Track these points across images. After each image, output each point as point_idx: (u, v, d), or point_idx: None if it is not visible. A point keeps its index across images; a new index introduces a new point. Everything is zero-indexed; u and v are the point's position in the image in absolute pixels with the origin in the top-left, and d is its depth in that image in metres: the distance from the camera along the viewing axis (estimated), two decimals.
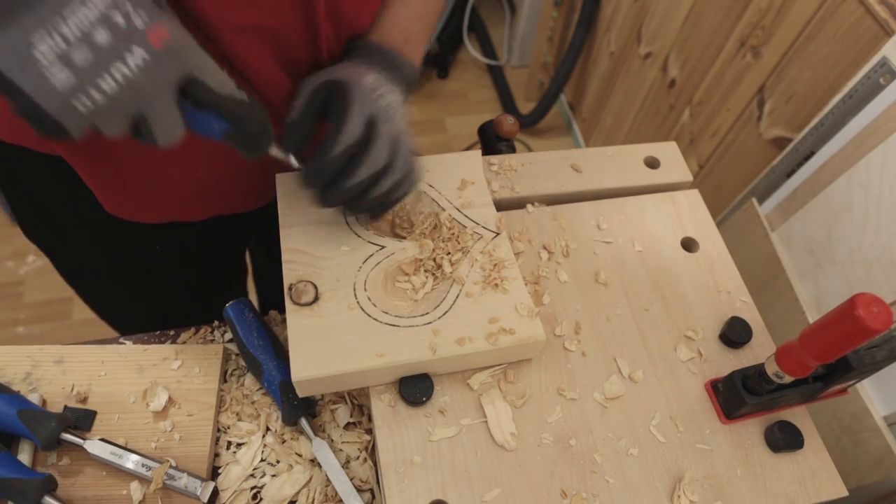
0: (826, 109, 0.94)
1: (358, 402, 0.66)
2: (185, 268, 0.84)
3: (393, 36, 0.63)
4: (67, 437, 0.58)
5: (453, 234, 0.64)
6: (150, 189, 0.67)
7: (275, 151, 0.52)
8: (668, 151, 0.78)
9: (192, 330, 0.71)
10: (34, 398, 0.62)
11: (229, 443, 0.64)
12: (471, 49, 2.42)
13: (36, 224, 0.76)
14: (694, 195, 0.75)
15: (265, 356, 0.64)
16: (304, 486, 0.61)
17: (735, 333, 0.63)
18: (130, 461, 0.58)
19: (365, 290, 0.59)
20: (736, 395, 0.57)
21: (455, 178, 0.68)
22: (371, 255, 0.61)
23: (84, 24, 0.37)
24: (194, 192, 0.69)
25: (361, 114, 0.55)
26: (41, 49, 0.36)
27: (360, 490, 0.60)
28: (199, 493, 0.57)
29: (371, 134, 0.55)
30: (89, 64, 0.38)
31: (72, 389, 0.63)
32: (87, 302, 0.91)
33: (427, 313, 0.58)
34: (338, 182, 0.55)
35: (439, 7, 0.69)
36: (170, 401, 0.63)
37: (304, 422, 0.62)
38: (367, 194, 0.57)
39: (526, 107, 2.25)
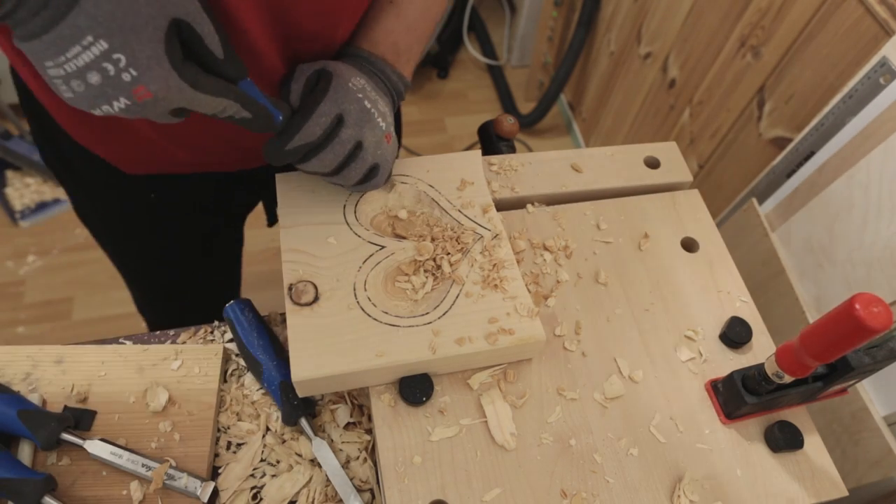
0: (826, 109, 0.94)
1: (358, 402, 0.66)
2: (188, 222, 0.87)
3: (384, 46, 0.64)
4: (67, 437, 0.58)
5: (453, 234, 0.64)
6: (135, 140, 0.69)
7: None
8: (668, 151, 0.78)
9: (192, 330, 0.71)
10: (34, 398, 0.62)
11: (229, 443, 0.64)
12: (471, 49, 2.42)
13: (64, 178, 0.83)
14: (694, 195, 0.75)
15: (265, 356, 0.64)
16: (304, 486, 0.61)
17: (735, 333, 0.63)
18: (130, 461, 0.58)
19: (365, 290, 0.59)
20: (736, 395, 0.57)
21: (455, 179, 0.68)
22: (371, 255, 0.61)
23: (80, 64, 0.42)
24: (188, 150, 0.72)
25: (329, 113, 0.56)
26: (49, 71, 0.42)
27: (360, 490, 0.60)
28: (199, 493, 0.57)
29: (330, 135, 0.57)
30: (86, 92, 0.43)
31: (72, 389, 0.63)
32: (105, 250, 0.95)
33: (427, 313, 0.58)
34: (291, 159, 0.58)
35: (435, 14, 0.69)
36: (170, 401, 0.63)
37: (304, 422, 0.62)
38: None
39: (526, 107, 2.25)
